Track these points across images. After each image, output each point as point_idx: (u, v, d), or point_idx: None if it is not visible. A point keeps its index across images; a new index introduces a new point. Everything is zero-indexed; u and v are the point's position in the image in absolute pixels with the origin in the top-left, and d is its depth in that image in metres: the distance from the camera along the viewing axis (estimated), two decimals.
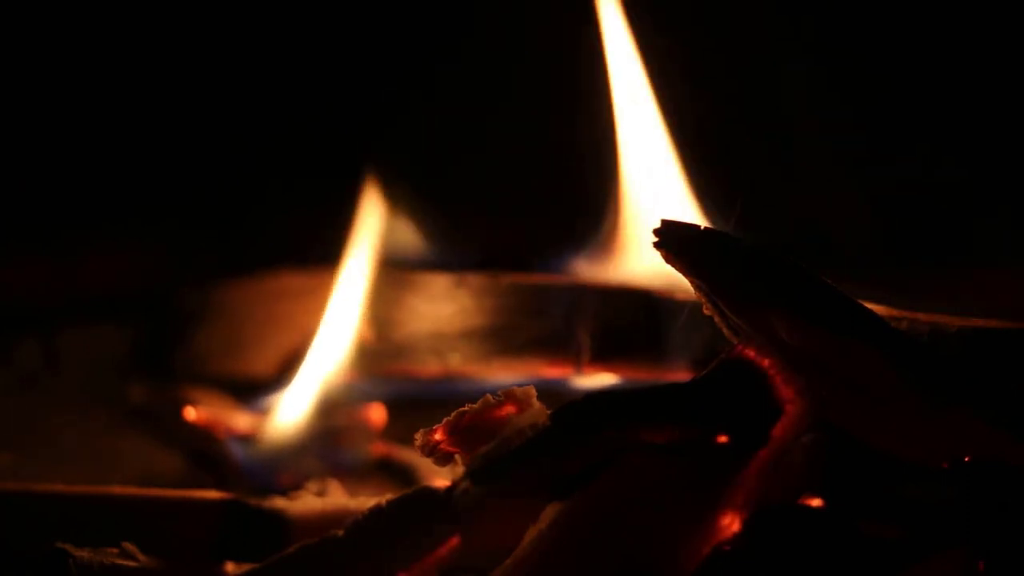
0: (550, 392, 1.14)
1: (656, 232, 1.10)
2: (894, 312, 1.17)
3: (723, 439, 1.05)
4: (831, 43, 2.21)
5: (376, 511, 1.10)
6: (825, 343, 1.07)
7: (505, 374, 1.70)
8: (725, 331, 1.14)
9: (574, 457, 1.04)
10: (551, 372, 1.68)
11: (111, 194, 2.34)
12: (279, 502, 1.31)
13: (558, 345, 1.68)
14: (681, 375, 1.55)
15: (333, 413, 1.67)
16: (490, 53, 2.30)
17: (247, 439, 1.67)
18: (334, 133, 1.92)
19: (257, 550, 1.24)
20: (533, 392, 1.12)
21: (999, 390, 1.07)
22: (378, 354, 1.74)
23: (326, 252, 1.75)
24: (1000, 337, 1.13)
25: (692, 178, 1.50)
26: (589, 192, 1.56)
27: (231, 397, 1.81)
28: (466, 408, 1.13)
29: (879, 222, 2.15)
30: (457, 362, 1.73)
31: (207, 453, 1.70)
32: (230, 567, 1.27)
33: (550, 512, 1.06)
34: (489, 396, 1.13)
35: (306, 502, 1.33)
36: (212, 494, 1.32)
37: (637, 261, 1.52)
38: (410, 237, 1.80)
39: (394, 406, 1.72)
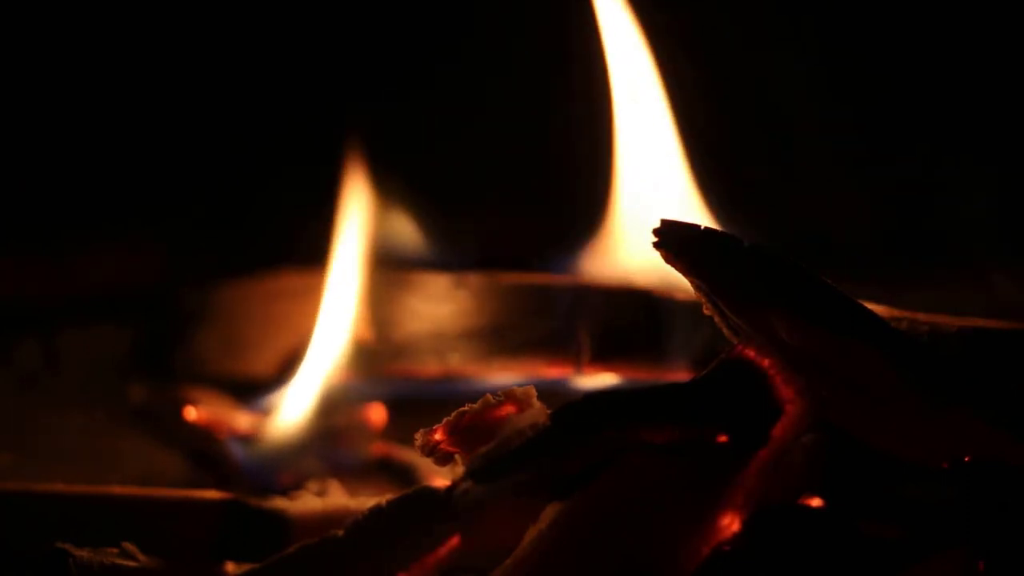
0: (550, 392, 1.14)
1: (656, 232, 1.10)
2: (894, 312, 1.17)
3: (723, 439, 1.05)
4: (831, 43, 2.21)
5: (376, 511, 1.10)
6: (825, 343, 1.07)
7: (505, 374, 1.70)
8: (725, 331, 1.14)
9: (574, 457, 1.04)
10: (551, 372, 1.68)
11: (111, 194, 2.34)
12: (279, 502, 1.32)
13: (558, 345, 1.68)
14: (681, 375, 1.55)
15: (333, 413, 1.67)
16: (490, 52, 2.30)
17: (247, 439, 1.67)
18: (334, 133, 1.92)
19: (257, 550, 1.24)
20: (533, 392, 1.12)
21: (999, 390, 1.07)
22: (378, 354, 1.74)
23: (326, 252, 1.75)
24: (1000, 337, 1.14)
25: (692, 178, 1.50)
26: (589, 192, 1.56)
27: (231, 397, 1.81)
28: (466, 408, 1.13)
29: (879, 222, 2.15)
30: (457, 362, 1.73)
31: (207, 453, 1.70)
32: (230, 567, 1.27)
33: (550, 512, 1.06)
34: (489, 396, 1.13)
35: (306, 502, 1.33)
36: (212, 494, 1.32)
37: (637, 261, 1.52)
38: (410, 237, 1.80)
39: (394, 406, 1.72)
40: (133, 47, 2.37)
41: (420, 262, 1.79)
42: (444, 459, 1.14)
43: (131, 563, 1.19)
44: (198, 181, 2.37)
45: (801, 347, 1.07)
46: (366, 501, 1.27)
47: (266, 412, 1.68)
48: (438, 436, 1.13)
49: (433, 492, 1.09)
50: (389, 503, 1.10)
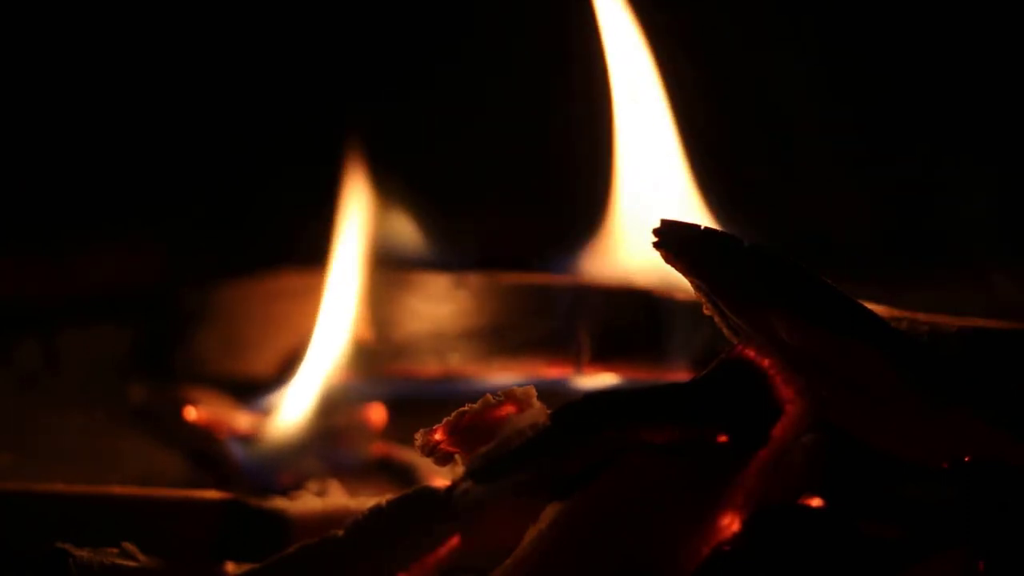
0: (550, 392, 1.14)
1: (656, 232, 1.10)
2: (894, 312, 1.17)
3: (723, 439, 1.05)
4: (831, 43, 2.21)
5: (376, 511, 1.10)
6: (825, 343, 1.07)
7: (505, 374, 1.70)
8: (725, 331, 1.14)
9: (574, 457, 1.04)
10: (551, 372, 1.68)
11: (111, 194, 2.34)
12: (279, 502, 1.32)
13: (558, 345, 1.68)
14: (681, 375, 1.55)
15: (333, 413, 1.67)
16: (491, 52, 2.30)
17: (247, 439, 1.67)
18: (334, 133, 1.92)
19: (257, 550, 1.24)
20: (533, 392, 1.12)
21: (999, 390, 1.07)
22: (378, 354, 1.74)
23: (326, 252, 1.75)
24: (1000, 337, 1.14)
25: (692, 178, 1.50)
26: (589, 192, 1.56)
27: (231, 397, 1.81)
28: (466, 408, 1.13)
29: (879, 222, 2.15)
30: (457, 362, 1.73)
31: (207, 453, 1.70)
32: (230, 567, 1.27)
33: (550, 512, 1.06)
34: (489, 396, 1.13)
35: (306, 502, 1.33)
36: (212, 494, 1.32)
37: (637, 261, 1.52)
38: (410, 237, 1.80)
39: (394, 406, 1.72)
40: (133, 48, 2.37)
41: (420, 262, 1.79)
42: (444, 459, 1.14)
43: (131, 563, 1.19)
44: (198, 181, 2.37)
45: (801, 347, 1.07)
46: (366, 501, 1.27)
47: (266, 412, 1.68)
48: (438, 436, 1.13)
49: (433, 492, 1.09)
50: (389, 503, 1.10)
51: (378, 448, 1.69)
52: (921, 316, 1.16)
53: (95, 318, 2.09)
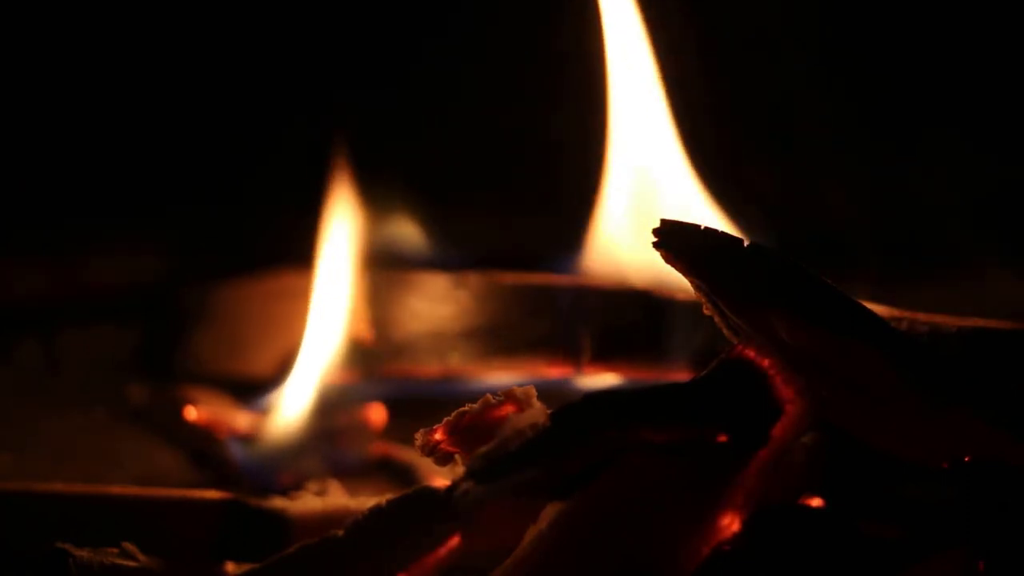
0: (550, 392, 1.14)
1: (656, 232, 1.10)
2: (894, 312, 1.17)
3: (723, 439, 1.05)
4: (831, 43, 2.21)
5: (376, 511, 1.09)
6: (825, 343, 1.07)
7: (505, 374, 1.70)
8: (725, 331, 1.14)
9: (574, 457, 1.04)
10: (551, 372, 1.68)
11: (111, 194, 2.34)
12: (279, 502, 1.31)
13: (558, 345, 1.68)
14: (681, 375, 1.55)
15: (333, 413, 1.67)
16: (492, 52, 2.30)
17: (247, 439, 1.67)
18: (334, 133, 1.92)
19: (257, 550, 1.24)
20: (533, 392, 1.12)
21: (999, 390, 1.07)
22: (378, 354, 1.74)
23: (326, 253, 1.75)
24: (1000, 337, 1.14)
25: (692, 178, 1.50)
26: (589, 192, 1.56)
27: (231, 397, 1.81)
28: (466, 408, 1.13)
29: (879, 222, 2.15)
30: (457, 362, 1.73)
31: (207, 453, 1.70)
32: (230, 567, 1.27)
33: (550, 512, 1.06)
34: (489, 396, 1.13)
35: (306, 502, 1.33)
36: (212, 494, 1.32)
37: (636, 261, 1.52)
38: (410, 237, 1.80)
39: (394, 406, 1.72)
40: (133, 48, 2.37)
41: (420, 262, 1.79)
42: (444, 459, 1.14)
43: (131, 563, 1.19)
44: (198, 181, 2.37)
45: (801, 347, 1.07)
46: (366, 501, 1.27)
47: (266, 412, 1.68)
48: (438, 436, 1.13)
49: (433, 492, 1.09)
50: (389, 503, 1.10)
51: (378, 448, 1.69)
52: (921, 316, 1.16)
53: (95, 318, 2.09)
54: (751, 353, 1.08)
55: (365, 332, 1.75)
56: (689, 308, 1.51)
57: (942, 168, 2.16)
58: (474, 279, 1.75)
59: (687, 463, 1.05)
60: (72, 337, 2.06)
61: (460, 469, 1.11)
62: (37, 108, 2.35)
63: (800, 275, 1.08)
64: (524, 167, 2.30)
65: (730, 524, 1.05)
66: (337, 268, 1.74)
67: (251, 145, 2.35)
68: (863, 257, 1.91)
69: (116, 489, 1.34)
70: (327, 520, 1.26)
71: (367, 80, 2.37)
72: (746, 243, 1.09)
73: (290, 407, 1.66)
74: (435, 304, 1.75)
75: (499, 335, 1.72)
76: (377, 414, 1.71)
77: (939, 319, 1.15)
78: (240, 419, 1.72)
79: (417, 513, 1.08)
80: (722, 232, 1.10)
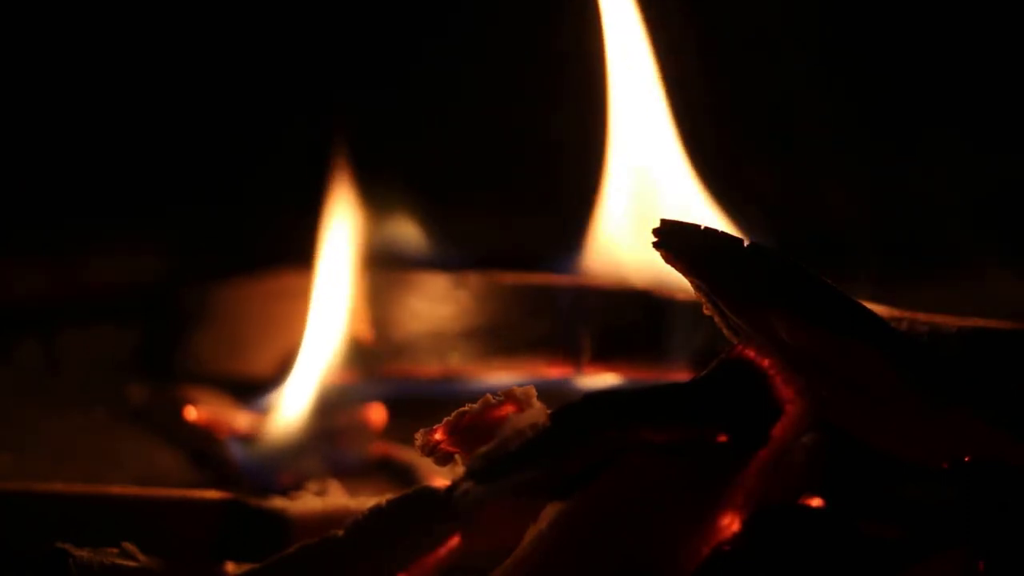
0: (550, 392, 1.14)
1: (656, 232, 1.10)
2: (894, 312, 1.17)
3: (723, 439, 1.05)
4: (831, 42, 2.21)
5: (376, 511, 1.10)
6: (825, 343, 1.07)
7: (505, 374, 1.70)
8: (725, 331, 1.14)
9: (574, 457, 1.04)
10: (551, 372, 1.68)
11: (111, 194, 2.34)
12: (279, 502, 1.31)
13: (558, 345, 1.68)
14: (681, 375, 1.55)
15: (333, 413, 1.67)
16: (492, 51, 2.30)
17: (247, 439, 1.67)
18: (334, 133, 1.92)
19: (257, 550, 1.24)
20: (533, 392, 1.12)
21: (999, 390, 1.07)
22: (378, 354, 1.74)
23: (326, 253, 1.75)
24: (1000, 337, 1.14)
25: (692, 178, 1.50)
26: (590, 192, 1.56)
27: (231, 397, 1.81)
28: (466, 408, 1.13)
29: (879, 222, 2.15)
30: (457, 362, 1.73)
31: (207, 453, 1.70)
32: (230, 567, 1.27)
33: (550, 512, 1.06)
34: (489, 396, 1.13)
35: (306, 502, 1.33)
36: (212, 494, 1.32)
37: (636, 260, 1.52)
38: (409, 237, 1.80)
39: (394, 406, 1.72)
40: (133, 48, 2.37)
41: (420, 262, 1.79)
42: (444, 459, 1.14)
43: (131, 563, 1.19)
44: (198, 181, 2.37)
45: (801, 347, 1.07)
46: (366, 501, 1.27)
47: (266, 412, 1.68)
48: (438, 436, 1.13)
49: (433, 492, 1.09)
50: (389, 503, 1.10)
51: (378, 448, 1.69)
52: (921, 316, 1.16)
53: (95, 318, 2.09)
54: (751, 353, 1.08)
55: (365, 332, 1.75)
56: (689, 308, 1.51)
57: (942, 168, 2.16)
58: (474, 279, 1.75)
59: (687, 463, 1.05)
60: (72, 337, 2.06)
61: (460, 469, 1.11)
62: (37, 108, 2.35)
63: (800, 275, 1.08)
64: (524, 167, 2.30)
65: (730, 524, 1.05)
66: (337, 268, 1.74)
67: (251, 145, 2.35)
68: (863, 257, 1.91)
69: (116, 489, 1.34)
70: (327, 520, 1.26)
71: (367, 80, 2.37)
72: (746, 243, 1.09)
73: (290, 407, 1.66)
74: (435, 304, 1.75)
75: (499, 335, 1.72)
76: (377, 414, 1.71)
77: (939, 319, 1.15)
78: (240, 419, 1.72)
79: (417, 513, 1.08)
80: (722, 232, 1.10)
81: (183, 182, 2.37)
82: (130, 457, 1.74)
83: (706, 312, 1.14)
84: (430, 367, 1.73)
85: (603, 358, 1.66)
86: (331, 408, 1.67)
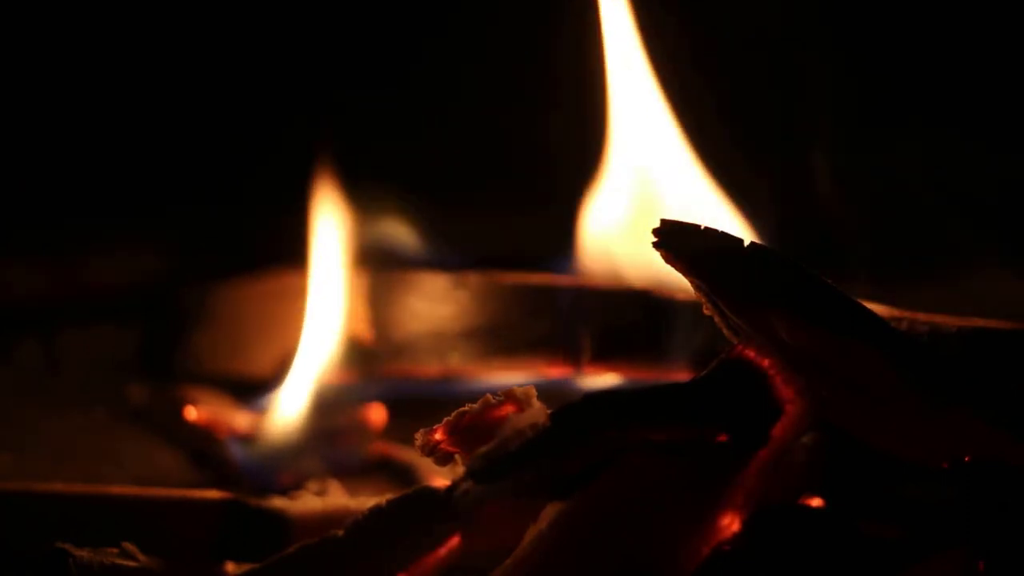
0: (550, 392, 1.14)
1: (656, 232, 1.10)
2: (894, 312, 1.17)
3: (723, 439, 1.05)
4: (831, 40, 2.21)
5: (376, 511, 1.10)
6: (825, 343, 1.07)
7: (505, 374, 1.70)
8: (725, 331, 1.14)
9: (574, 457, 1.04)
10: (551, 372, 1.68)
11: (111, 194, 2.34)
12: (279, 502, 1.31)
13: (558, 345, 1.68)
14: (681, 375, 1.55)
15: (333, 413, 1.67)
16: (493, 51, 2.30)
17: (247, 439, 1.67)
18: (335, 133, 1.92)
19: (257, 550, 1.24)
20: (533, 392, 1.12)
21: (999, 390, 1.07)
22: (378, 354, 1.74)
23: (326, 252, 1.75)
24: (1000, 337, 1.14)
25: (692, 178, 1.50)
26: (589, 192, 1.56)
27: (231, 397, 1.81)
28: (466, 408, 1.13)
29: (879, 222, 2.15)
30: (457, 362, 1.73)
31: (207, 453, 1.70)
32: (230, 567, 1.27)
33: (550, 512, 1.06)
34: (489, 396, 1.13)
35: (306, 502, 1.33)
36: (212, 494, 1.32)
37: (636, 260, 1.52)
38: (409, 237, 1.80)
39: (394, 406, 1.72)
40: (133, 48, 2.37)
41: (420, 262, 1.79)
42: (444, 459, 1.14)
43: (131, 563, 1.19)
44: (198, 181, 2.37)
45: (801, 347, 1.07)
46: (366, 501, 1.27)
47: (266, 412, 1.68)
48: (438, 436, 1.13)
49: (433, 492, 1.09)
50: (389, 503, 1.10)
51: (378, 448, 1.69)
52: (921, 316, 1.16)
53: (95, 318, 2.09)
54: (751, 353, 1.08)
55: (365, 332, 1.75)
56: (689, 308, 1.51)
57: (942, 168, 2.16)
58: (474, 279, 1.75)
59: (687, 463, 1.05)
60: (72, 337, 2.06)
61: (460, 469, 1.11)
62: (37, 108, 2.35)
63: (800, 275, 1.08)
64: (524, 167, 2.30)
65: (730, 524, 1.05)
66: (337, 268, 1.74)
67: (251, 145, 2.35)
68: (863, 257, 1.91)
69: (116, 489, 1.34)
70: (327, 520, 1.26)
71: (367, 80, 2.37)
72: (746, 243, 1.09)
73: (289, 407, 1.66)
74: (435, 304, 1.75)
75: (499, 335, 1.72)
76: (377, 414, 1.71)
77: (939, 319, 1.15)
78: (240, 419, 1.72)
79: (417, 513, 1.08)
80: (722, 232, 1.10)
81: (183, 182, 2.37)
82: (130, 457, 1.74)
83: (706, 312, 1.14)
84: (430, 367, 1.73)
85: (603, 358, 1.66)
86: (331, 408, 1.67)
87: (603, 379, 1.66)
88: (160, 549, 1.22)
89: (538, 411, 1.07)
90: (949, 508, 1.07)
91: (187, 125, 2.37)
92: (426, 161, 2.23)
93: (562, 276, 1.65)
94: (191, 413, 1.73)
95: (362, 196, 1.78)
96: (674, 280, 1.15)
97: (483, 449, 1.03)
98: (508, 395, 1.12)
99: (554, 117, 2.12)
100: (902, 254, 2.13)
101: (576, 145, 1.63)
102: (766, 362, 1.07)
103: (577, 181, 1.58)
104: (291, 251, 1.87)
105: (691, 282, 1.12)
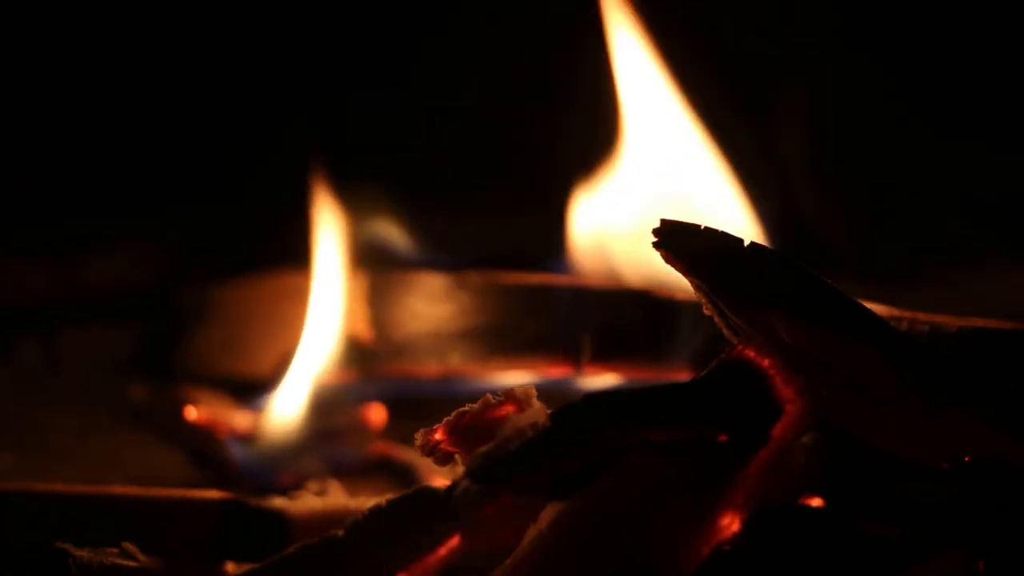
0: (550, 392, 1.14)
1: (656, 232, 1.10)
2: (894, 312, 1.17)
3: (723, 439, 1.05)
4: (832, 40, 2.21)
5: (376, 511, 1.10)
6: (825, 343, 1.07)
7: (505, 374, 1.70)
8: (725, 331, 1.14)
9: (574, 457, 1.04)
10: (551, 372, 1.68)
11: (111, 194, 2.34)
12: (279, 502, 1.31)
13: (558, 345, 1.68)
14: (681, 375, 1.55)
15: (333, 413, 1.67)
16: (493, 51, 2.30)
17: (247, 439, 1.67)
18: (335, 133, 1.93)
19: (257, 550, 1.24)
20: (533, 392, 1.12)
21: (999, 390, 1.07)
22: (378, 354, 1.74)
23: (326, 252, 1.75)
24: (1000, 337, 1.13)
25: (691, 178, 1.50)
26: (589, 192, 1.56)
27: (231, 397, 1.81)
28: (466, 408, 1.13)
29: (879, 222, 2.15)
30: (457, 362, 1.73)
31: (207, 453, 1.70)
32: (230, 567, 1.27)
33: (550, 512, 1.06)
34: (489, 396, 1.12)
35: (306, 502, 1.33)
36: (212, 494, 1.32)
37: (636, 260, 1.52)
38: (409, 237, 1.80)
39: (394, 406, 1.72)
40: (133, 48, 2.37)
41: (419, 262, 1.79)
42: (444, 459, 1.14)
43: (131, 563, 1.19)
44: (198, 181, 2.37)
45: (801, 347, 1.07)
46: (366, 501, 1.27)
47: (266, 412, 1.68)
48: (438, 436, 1.13)
49: (433, 492, 1.09)
50: (389, 503, 1.10)
51: (378, 448, 1.69)
52: (921, 316, 1.16)
53: (95, 318, 2.10)
54: (751, 353, 1.08)
55: (365, 332, 1.75)
56: (689, 308, 1.51)
57: (942, 168, 2.16)
58: (474, 279, 1.75)
59: (687, 463, 1.05)
60: (72, 337, 2.06)
61: (460, 469, 1.11)
62: (37, 108, 2.35)
63: (800, 275, 1.08)
64: (524, 167, 2.30)
65: (730, 524, 1.05)
66: (337, 268, 1.74)
67: (251, 145, 2.35)
68: (863, 257, 1.91)
69: (116, 489, 1.34)
70: (327, 520, 1.26)
71: (367, 80, 2.37)
72: (746, 243, 1.09)
73: (289, 407, 1.66)
74: (435, 304, 1.75)
75: (499, 335, 1.72)
76: (377, 414, 1.71)
77: (939, 319, 1.15)
78: (240, 419, 1.72)
79: (417, 513, 1.08)
80: (722, 232, 1.10)
81: (183, 182, 2.37)
82: (130, 457, 1.74)
83: (706, 312, 1.14)
84: (430, 367, 1.73)
85: (603, 358, 1.66)
86: (331, 408, 1.67)
87: (603, 379, 1.66)
88: (160, 549, 1.22)
89: (538, 411, 1.07)
90: (949, 508, 1.07)
91: (187, 125, 2.37)
92: (426, 161, 2.23)
93: (562, 276, 1.65)
94: (191, 413, 1.73)
95: (362, 196, 1.78)
96: (674, 280, 1.15)
97: (483, 449, 1.03)
98: (508, 395, 1.12)
99: (554, 117, 2.12)
100: (902, 254, 2.13)
101: (576, 145, 1.63)
102: (766, 362, 1.07)
103: (577, 181, 1.58)
104: (291, 251, 1.87)
105: (691, 282, 1.12)
